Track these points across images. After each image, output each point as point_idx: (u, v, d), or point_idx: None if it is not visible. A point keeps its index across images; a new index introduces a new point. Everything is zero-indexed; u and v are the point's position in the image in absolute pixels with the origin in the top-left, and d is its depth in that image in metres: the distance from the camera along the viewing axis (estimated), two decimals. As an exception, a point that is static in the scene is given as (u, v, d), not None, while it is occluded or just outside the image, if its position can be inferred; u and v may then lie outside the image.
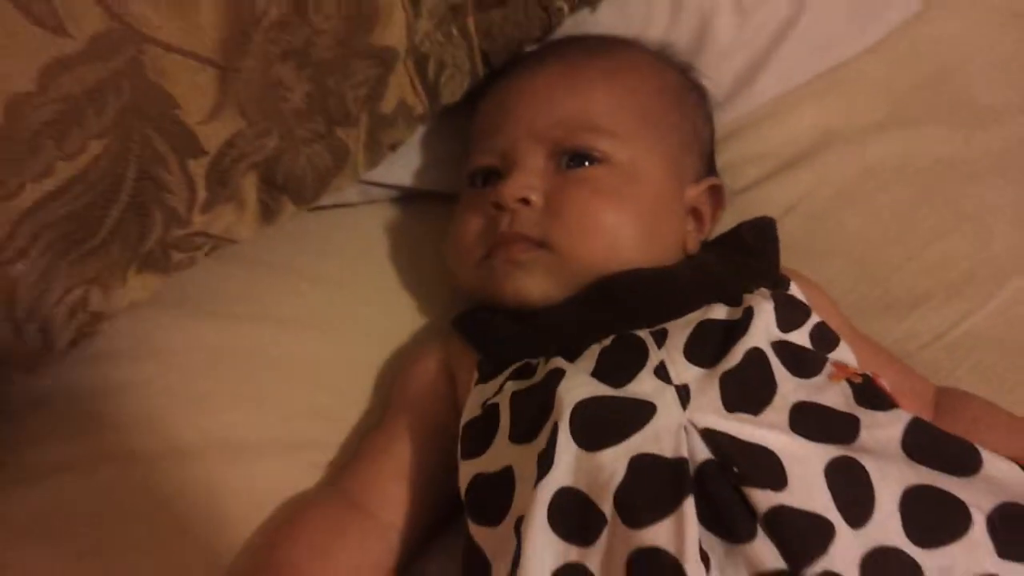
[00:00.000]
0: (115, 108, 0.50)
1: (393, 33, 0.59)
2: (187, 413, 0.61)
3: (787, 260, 0.64)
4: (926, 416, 0.53)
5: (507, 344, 0.58)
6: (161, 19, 0.50)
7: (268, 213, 0.63)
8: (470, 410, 0.56)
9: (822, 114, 0.77)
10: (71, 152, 0.49)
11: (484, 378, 0.57)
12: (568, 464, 0.48)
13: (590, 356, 0.54)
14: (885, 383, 0.53)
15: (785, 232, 0.69)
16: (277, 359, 0.65)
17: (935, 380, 0.64)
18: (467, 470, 0.53)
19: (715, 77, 0.75)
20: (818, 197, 0.74)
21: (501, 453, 0.52)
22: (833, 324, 0.58)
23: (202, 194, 0.56)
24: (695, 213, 0.66)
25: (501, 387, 0.55)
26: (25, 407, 0.60)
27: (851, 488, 0.47)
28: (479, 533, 0.51)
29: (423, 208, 0.75)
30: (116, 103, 0.50)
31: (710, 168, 0.70)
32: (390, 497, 0.58)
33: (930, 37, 0.80)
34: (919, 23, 0.80)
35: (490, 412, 0.54)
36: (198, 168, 0.55)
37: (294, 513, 0.58)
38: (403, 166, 0.74)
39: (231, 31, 0.52)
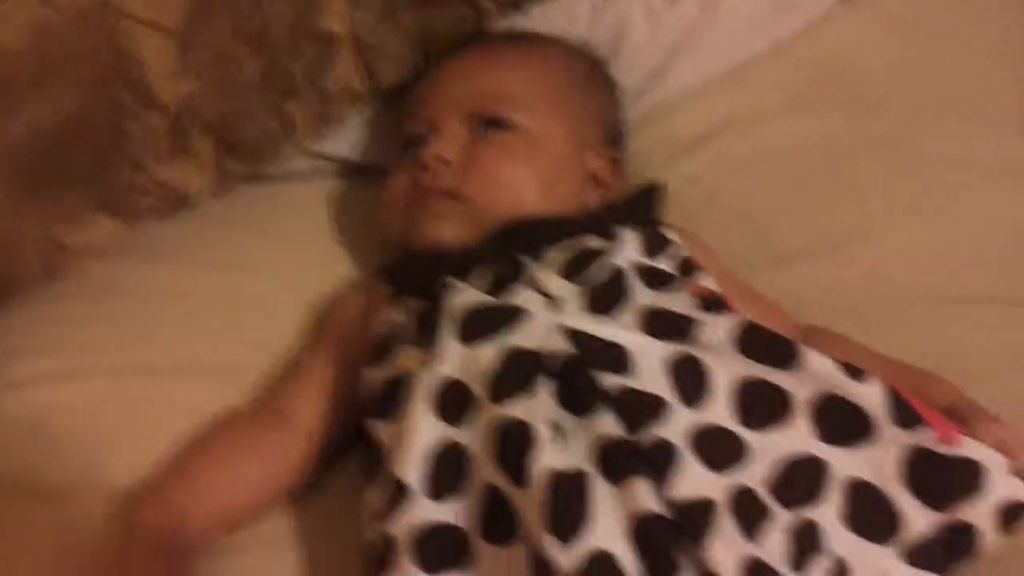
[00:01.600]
0: (92, 66, 0.60)
1: (334, 20, 0.70)
2: (150, 339, 0.70)
3: (689, 227, 0.73)
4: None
5: (413, 272, 0.67)
6: (135, -1, 0.61)
7: (222, 172, 0.74)
8: (377, 327, 0.64)
9: (724, 104, 0.86)
10: (52, 100, 0.59)
11: (393, 303, 0.65)
12: (451, 359, 0.56)
13: (479, 276, 0.63)
14: (732, 302, 0.61)
15: (688, 202, 0.80)
16: (227, 298, 0.74)
17: (808, 321, 0.71)
18: (371, 376, 0.62)
19: (631, 72, 0.85)
20: (715, 172, 0.82)
21: (399, 358, 0.60)
22: (712, 270, 0.66)
23: (163, 145, 0.67)
24: (597, 180, 0.76)
25: (405, 307, 0.63)
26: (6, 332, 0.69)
27: (688, 377, 0.54)
28: (376, 428, 0.59)
29: (364, 182, 0.85)
30: (93, 62, 0.60)
31: (615, 144, 0.80)
32: (310, 408, 0.66)
33: (827, 41, 0.89)
34: (817, 30, 0.89)
35: (394, 327, 0.63)
36: (159, 121, 0.65)
37: (224, 416, 0.67)
38: (349, 142, 0.84)
39: (193, 8, 0.63)
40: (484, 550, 0.51)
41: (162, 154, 0.67)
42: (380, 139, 0.84)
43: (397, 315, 0.63)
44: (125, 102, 0.63)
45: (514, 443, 0.52)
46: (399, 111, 0.80)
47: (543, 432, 0.51)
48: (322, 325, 0.73)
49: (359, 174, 0.86)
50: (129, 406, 0.66)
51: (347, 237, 0.81)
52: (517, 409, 0.53)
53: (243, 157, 0.74)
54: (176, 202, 0.74)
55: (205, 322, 0.72)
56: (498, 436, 0.52)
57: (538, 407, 0.52)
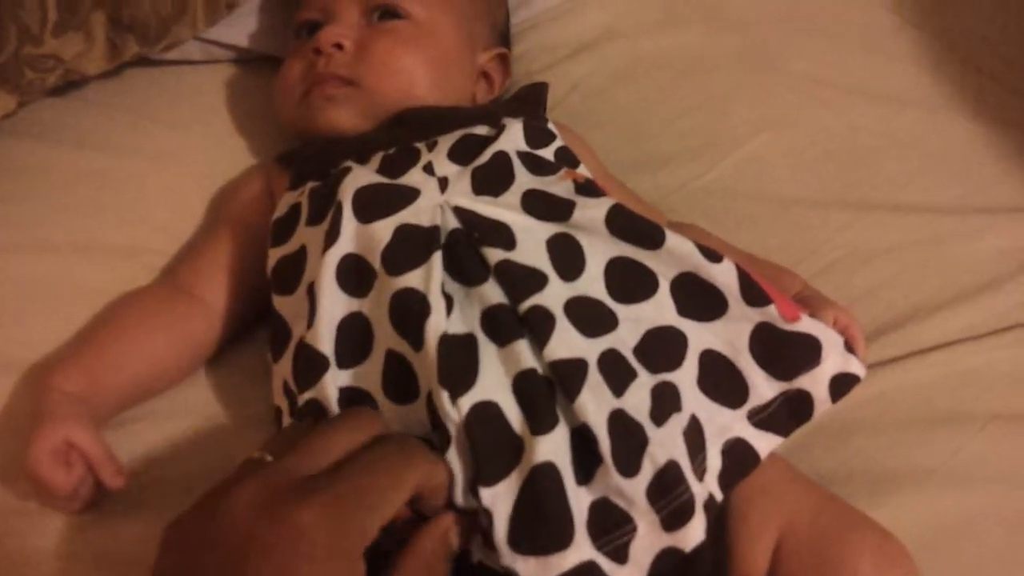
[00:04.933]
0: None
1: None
2: (48, 219, 0.71)
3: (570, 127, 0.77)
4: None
5: (311, 158, 0.68)
6: None
7: (114, 50, 0.73)
8: (279, 211, 0.66)
9: (605, 15, 0.91)
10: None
11: (293, 187, 0.67)
12: (349, 235, 0.59)
13: (375, 160, 0.65)
14: (606, 189, 0.66)
15: (569, 105, 0.86)
16: (125, 182, 0.75)
17: (675, 220, 0.76)
18: (273, 255, 0.64)
19: (518, -22, 0.90)
20: (596, 78, 0.87)
21: (299, 236, 0.63)
22: (588, 165, 0.70)
23: (52, 16, 0.66)
24: (486, 77, 0.80)
25: (304, 190, 0.65)
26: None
27: (565, 254, 0.59)
28: (280, 303, 0.62)
29: (259, 69, 0.86)
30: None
31: (502, 42, 0.83)
32: (214, 285, 0.68)
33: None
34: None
35: (294, 209, 0.65)
36: (50, -10, 0.65)
37: (129, 293, 0.68)
38: (243, 29, 0.84)
39: None
40: (387, 408, 0.55)
41: (52, 24, 0.66)
42: (273, 27, 0.85)
43: (296, 198, 0.65)
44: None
45: (411, 311, 0.55)
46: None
47: (436, 301, 0.55)
48: (219, 209, 0.74)
49: (251, 62, 0.87)
50: (28, 283, 0.67)
51: (242, 124, 0.82)
52: (412, 280, 0.56)
53: (136, 36, 0.73)
54: (65, 78, 0.73)
55: (104, 204, 0.73)
56: (396, 305, 0.56)
57: (431, 278, 0.56)
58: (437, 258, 0.57)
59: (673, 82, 0.88)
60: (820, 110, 0.86)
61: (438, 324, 0.54)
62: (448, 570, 0.48)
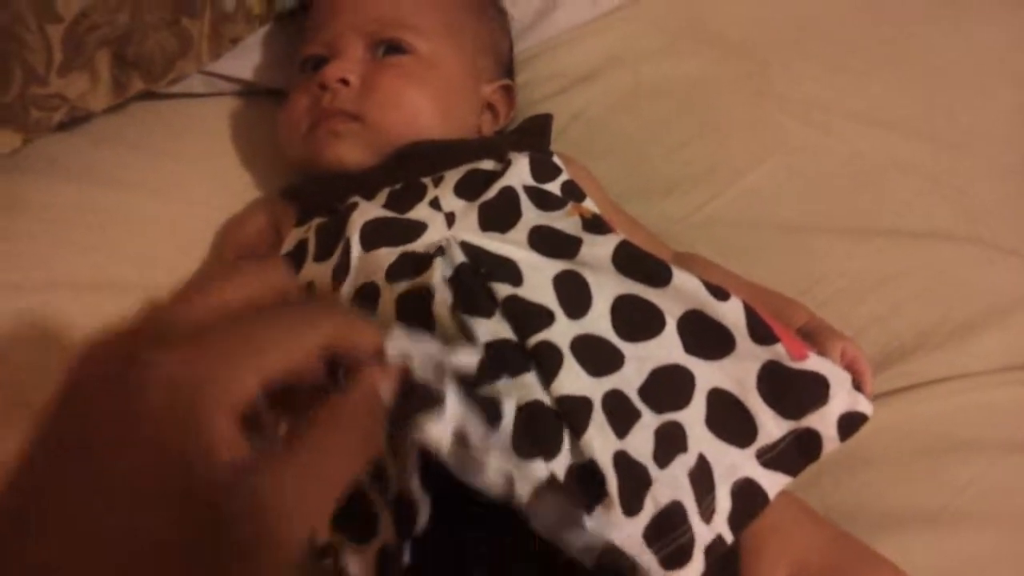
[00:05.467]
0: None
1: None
2: (48, 255, 0.71)
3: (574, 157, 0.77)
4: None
5: (317, 193, 0.69)
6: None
7: (119, 87, 0.73)
8: (286, 246, 0.67)
9: (606, 44, 0.91)
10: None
11: (299, 223, 0.68)
12: (356, 266, 0.60)
13: (382, 196, 0.66)
14: (613, 225, 0.66)
15: (571, 135, 0.86)
16: (129, 216, 0.75)
17: (679, 250, 0.77)
18: None
19: (521, 6, 0.90)
20: (598, 107, 0.87)
21: (306, 273, 0.63)
22: (594, 197, 0.71)
23: (58, 56, 0.66)
24: (491, 108, 0.80)
25: (311, 226, 0.66)
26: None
27: (572, 291, 0.58)
28: None
29: (262, 102, 0.86)
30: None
31: (506, 74, 0.84)
32: None
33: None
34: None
35: (301, 244, 0.65)
36: (55, 32, 0.65)
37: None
38: (246, 63, 0.85)
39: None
40: None
41: (57, 65, 0.66)
42: (276, 61, 0.85)
43: (303, 234, 0.66)
44: (20, 9, 0.61)
45: (415, 301, 0.56)
46: (298, 33, 0.81)
47: (441, 287, 0.56)
48: (224, 244, 0.75)
49: (255, 95, 0.87)
50: (31, 322, 0.67)
51: (246, 157, 0.82)
52: (416, 280, 0.57)
53: (140, 73, 0.73)
54: (70, 115, 0.73)
55: (110, 239, 0.73)
56: (402, 305, 0.57)
57: (434, 275, 0.57)
58: (439, 262, 0.58)
59: (676, 110, 0.87)
60: (824, 137, 0.86)
61: (445, 300, 0.55)
62: (382, 434, 0.41)
